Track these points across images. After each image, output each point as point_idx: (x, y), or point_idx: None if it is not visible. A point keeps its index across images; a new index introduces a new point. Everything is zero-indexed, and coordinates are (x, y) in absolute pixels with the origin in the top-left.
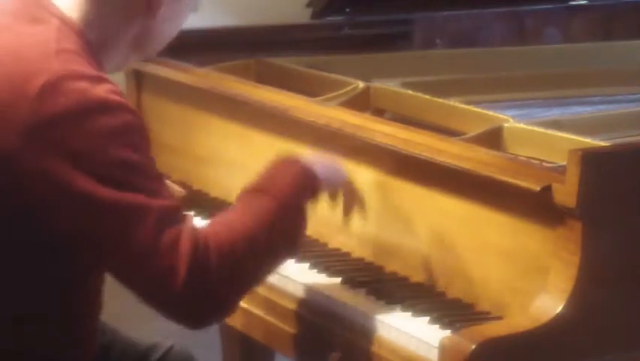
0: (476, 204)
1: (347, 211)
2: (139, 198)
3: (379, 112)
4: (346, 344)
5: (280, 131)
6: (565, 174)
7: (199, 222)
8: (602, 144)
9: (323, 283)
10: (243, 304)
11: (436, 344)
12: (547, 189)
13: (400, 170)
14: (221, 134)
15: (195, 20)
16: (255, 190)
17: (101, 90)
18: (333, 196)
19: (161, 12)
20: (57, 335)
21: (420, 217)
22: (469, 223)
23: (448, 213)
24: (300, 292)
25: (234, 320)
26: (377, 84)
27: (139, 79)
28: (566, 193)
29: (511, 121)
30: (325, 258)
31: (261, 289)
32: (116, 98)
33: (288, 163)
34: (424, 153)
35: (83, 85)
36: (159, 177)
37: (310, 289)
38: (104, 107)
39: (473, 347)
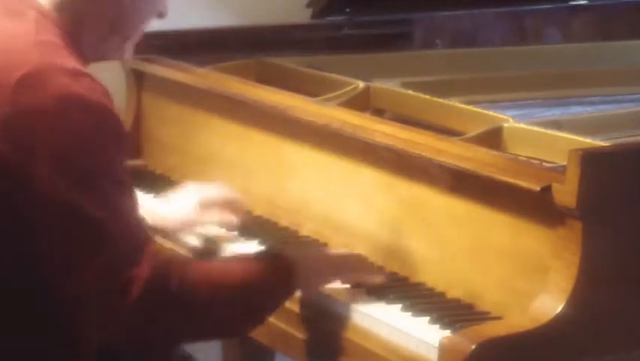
0: (476, 204)
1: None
2: (100, 214)
3: (379, 112)
4: (346, 343)
5: (280, 131)
6: (565, 174)
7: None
8: (602, 144)
9: None
10: None
11: (436, 344)
12: (547, 189)
13: (399, 170)
14: (221, 134)
15: (195, 20)
16: (246, 258)
17: (79, 87)
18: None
19: None
20: (55, 337)
21: (420, 217)
22: (469, 223)
23: (448, 213)
24: (300, 292)
25: None
26: (377, 84)
27: (139, 79)
28: (566, 193)
29: (511, 121)
30: None
31: None
32: (94, 96)
33: (280, 259)
34: (424, 153)
35: (62, 80)
36: (126, 183)
37: None
38: (81, 105)
39: (473, 347)
